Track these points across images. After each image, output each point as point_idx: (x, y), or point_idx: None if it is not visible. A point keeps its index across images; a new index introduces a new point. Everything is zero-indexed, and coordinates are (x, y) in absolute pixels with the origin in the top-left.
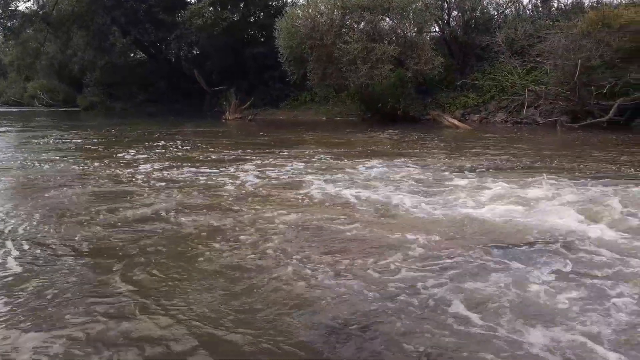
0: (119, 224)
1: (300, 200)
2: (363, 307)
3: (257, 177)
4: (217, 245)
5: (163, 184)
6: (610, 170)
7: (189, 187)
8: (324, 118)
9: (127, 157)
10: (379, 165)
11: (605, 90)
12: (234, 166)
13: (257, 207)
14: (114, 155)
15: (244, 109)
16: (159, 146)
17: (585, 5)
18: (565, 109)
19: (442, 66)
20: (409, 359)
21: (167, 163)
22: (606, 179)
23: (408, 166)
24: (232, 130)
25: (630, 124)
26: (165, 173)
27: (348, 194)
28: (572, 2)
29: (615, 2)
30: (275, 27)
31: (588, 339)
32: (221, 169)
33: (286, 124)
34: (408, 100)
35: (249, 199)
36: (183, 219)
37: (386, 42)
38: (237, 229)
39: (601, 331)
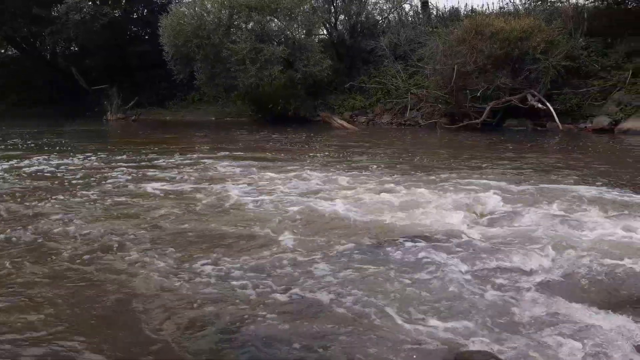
0: None
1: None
2: (230, 308)
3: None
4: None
5: None
6: (477, 167)
7: None
8: (213, 118)
9: None
10: (260, 166)
11: (479, 94)
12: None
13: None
14: None
15: (127, 109)
16: None
17: (461, 13)
18: (444, 111)
19: (331, 68)
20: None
21: None
22: (475, 176)
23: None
24: (109, 131)
25: (501, 125)
26: None
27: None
28: (450, 10)
29: (487, 11)
30: (159, 24)
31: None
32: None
33: (172, 125)
34: (298, 101)
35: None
36: None
37: (275, 43)
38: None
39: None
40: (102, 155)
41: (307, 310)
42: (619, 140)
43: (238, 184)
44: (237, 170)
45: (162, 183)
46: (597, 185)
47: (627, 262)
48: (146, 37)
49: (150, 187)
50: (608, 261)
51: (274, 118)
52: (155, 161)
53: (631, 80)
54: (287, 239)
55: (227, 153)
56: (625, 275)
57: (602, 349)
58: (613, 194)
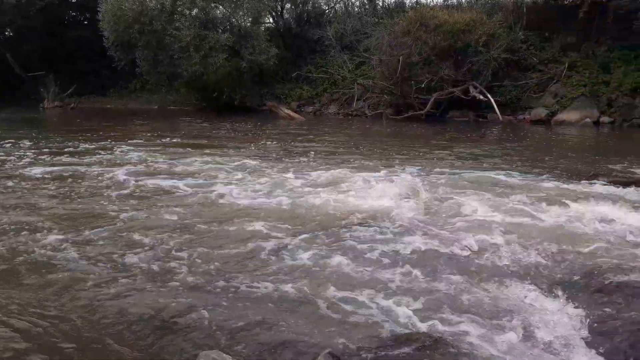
0: None
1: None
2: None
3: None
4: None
5: None
6: (418, 156)
7: None
8: (156, 107)
9: None
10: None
11: (423, 85)
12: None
13: None
14: None
15: (65, 96)
16: None
17: (407, 5)
18: (390, 102)
19: (277, 57)
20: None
21: None
22: (416, 164)
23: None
24: (43, 119)
25: (444, 116)
26: None
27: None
28: (395, 2)
29: (432, 3)
30: (99, 9)
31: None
32: None
33: (113, 113)
34: (245, 90)
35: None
36: None
37: (220, 30)
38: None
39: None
40: (23, 144)
41: (244, 296)
42: (555, 131)
43: (156, 174)
44: (159, 157)
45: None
46: (523, 172)
47: (556, 245)
48: (85, 22)
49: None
50: (541, 244)
51: (220, 107)
52: (77, 149)
53: (567, 73)
54: (196, 223)
55: (165, 141)
56: (560, 258)
57: (537, 328)
58: (538, 181)
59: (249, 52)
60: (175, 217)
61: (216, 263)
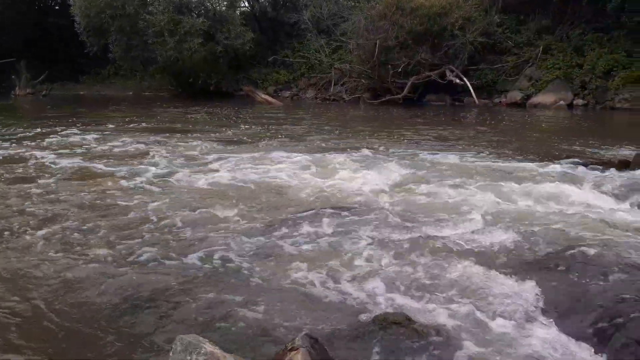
0: None
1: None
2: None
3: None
4: None
5: None
6: (393, 140)
7: None
8: (131, 93)
9: None
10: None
11: (400, 69)
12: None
13: None
14: None
15: (36, 83)
16: None
17: None
18: (367, 86)
19: (253, 42)
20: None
21: None
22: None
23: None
24: (13, 106)
25: (422, 100)
26: None
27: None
28: None
29: None
30: None
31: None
32: None
33: (86, 100)
34: (220, 75)
35: None
36: None
37: (195, 14)
38: None
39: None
40: None
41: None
42: (530, 113)
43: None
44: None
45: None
46: (496, 155)
47: (525, 226)
48: (56, 7)
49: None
50: (509, 224)
51: (195, 93)
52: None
53: (541, 56)
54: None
55: (134, 126)
56: (527, 238)
57: (500, 306)
58: (511, 163)
59: (224, 36)
60: (109, 201)
61: (186, 245)
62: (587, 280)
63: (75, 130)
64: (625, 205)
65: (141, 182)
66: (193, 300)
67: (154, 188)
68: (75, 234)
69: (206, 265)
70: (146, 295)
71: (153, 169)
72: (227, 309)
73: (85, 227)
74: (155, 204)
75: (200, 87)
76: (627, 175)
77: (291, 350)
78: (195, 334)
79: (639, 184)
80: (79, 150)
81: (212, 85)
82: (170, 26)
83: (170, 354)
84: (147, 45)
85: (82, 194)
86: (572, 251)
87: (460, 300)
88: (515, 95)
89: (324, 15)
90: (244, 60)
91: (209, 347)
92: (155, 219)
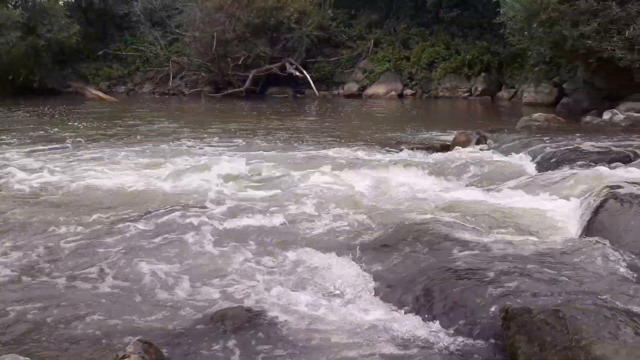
0: None
1: None
2: None
3: None
4: None
5: None
6: (231, 134)
7: None
8: None
9: None
10: None
11: (240, 62)
12: None
13: None
14: None
15: None
16: None
17: None
18: (208, 79)
19: (80, 34)
20: None
21: None
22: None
23: None
24: None
25: (264, 93)
26: None
27: None
28: None
29: None
30: None
31: None
32: None
33: None
34: (45, 71)
35: None
36: None
37: (11, 6)
38: None
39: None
40: None
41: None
42: (365, 104)
43: None
44: None
45: None
46: (333, 144)
47: (359, 210)
48: None
49: None
50: (344, 210)
51: (16, 90)
52: None
53: (373, 49)
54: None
55: None
56: (361, 222)
57: (336, 288)
58: (348, 151)
59: (46, 29)
60: None
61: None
62: (416, 255)
63: None
64: (446, 183)
65: None
66: (17, 318)
67: None
68: None
69: (24, 276)
70: None
71: None
72: (51, 320)
73: None
74: None
75: (22, 84)
76: (446, 156)
77: (123, 358)
78: (14, 354)
79: (457, 164)
80: None
81: (35, 82)
82: None
83: None
84: None
85: None
86: (402, 230)
87: (298, 286)
88: (352, 87)
89: (156, 6)
90: (70, 54)
91: None
92: None
